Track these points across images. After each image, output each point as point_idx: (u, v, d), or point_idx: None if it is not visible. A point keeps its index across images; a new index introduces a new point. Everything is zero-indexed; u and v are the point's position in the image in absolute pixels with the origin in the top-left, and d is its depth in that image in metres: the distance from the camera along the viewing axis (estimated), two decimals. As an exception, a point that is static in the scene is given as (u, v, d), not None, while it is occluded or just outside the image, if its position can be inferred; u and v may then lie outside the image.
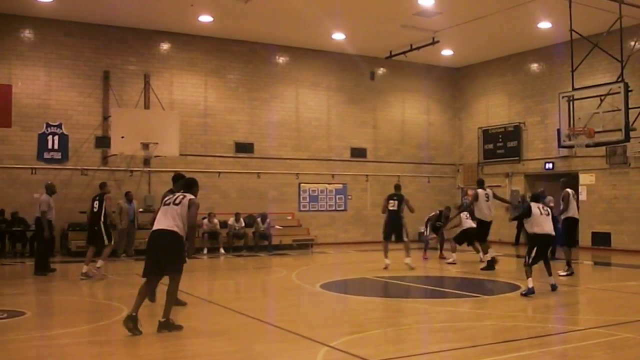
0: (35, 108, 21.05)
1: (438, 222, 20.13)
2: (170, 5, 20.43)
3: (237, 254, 21.42)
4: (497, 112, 27.19)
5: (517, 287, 13.50)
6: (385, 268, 16.57)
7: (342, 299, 13.02)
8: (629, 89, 16.47)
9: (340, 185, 25.72)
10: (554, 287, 12.82)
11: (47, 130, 21.11)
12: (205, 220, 21.51)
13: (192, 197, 9.31)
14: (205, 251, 21.30)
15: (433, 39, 22.96)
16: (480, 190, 16.94)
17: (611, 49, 17.54)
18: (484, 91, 27.79)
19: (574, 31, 17.00)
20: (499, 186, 26.42)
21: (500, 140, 26.75)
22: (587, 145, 17.28)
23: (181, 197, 9.29)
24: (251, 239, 22.50)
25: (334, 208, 25.70)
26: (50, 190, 16.01)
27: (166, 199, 9.46)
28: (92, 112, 21.89)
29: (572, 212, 15.46)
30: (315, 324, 9.77)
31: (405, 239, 17.09)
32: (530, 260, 12.58)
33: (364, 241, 25.20)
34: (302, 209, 25.24)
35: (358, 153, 26.55)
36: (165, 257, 9.10)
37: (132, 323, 8.76)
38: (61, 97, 21.47)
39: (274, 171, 24.60)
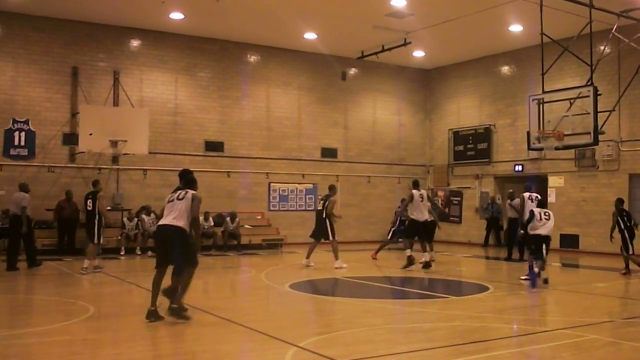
0: (1, 104, 20.73)
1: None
2: (141, 2, 20.23)
3: (205, 253, 21.24)
4: (467, 113, 27.32)
5: (485, 288, 13.56)
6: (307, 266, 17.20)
7: (311, 299, 12.99)
8: (598, 92, 16.59)
9: (311, 185, 25.68)
10: (545, 281, 13.92)
11: (14, 127, 20.78)
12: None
13: (194, 192, 9.87)
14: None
15: (405, 40, 23.00)
16: (415, 191, 17.14)
17: (581, 53, 17.68)
18: (455, 93, 27.91)
19: (545, 35, 17.11)
20: (469, 187, 26.59)
21: (471, 142, 26.88)
22: (557, 148, 17.39)
23: (184, 192, 9.84)
24: (220, 239, 22.36)
25: (304, 208, 25.62)
26: (26, 189, 16.68)
27: (170, 196, 9.99)
28: (60, 108, 21.59)
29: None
30: (284, 324, 9.72)
31: (330, 238, 17.36)
32: (531, 254, 14.28)
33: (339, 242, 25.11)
34: (271, 208, 25.16)
35: (329, 153, 26.53)
36: (173, 250, 9.61)
37: (153, 317, 9.42)
38: (29, 93, 21.16)
39: (244, 170, 24.49)
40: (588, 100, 16.57)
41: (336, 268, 16.81)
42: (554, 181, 23.66)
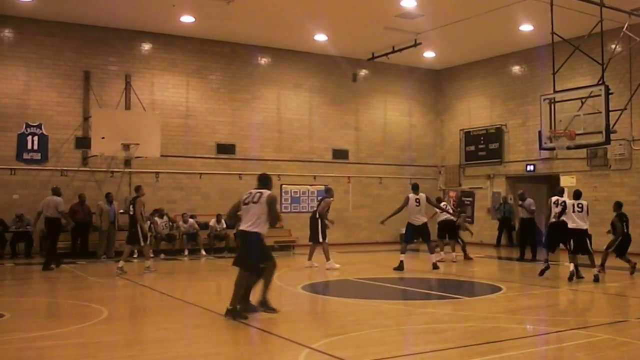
0: (14, 108, 20.85)
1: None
2: (151, 6, 20.31)
3: (218, 256, 21.32)
4: (478, 114, 27.27)
5: (498, 289, 13.53)
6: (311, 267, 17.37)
7: (324, 300, 13.00)
8: (610, 91, 16.52)
9: (322, 186, 25.65)
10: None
11: (27, 131, 20.91)
12: (181, 223, 21.37)
13: (270, 192, 10.04)
14: (186, 252, 21.18)
15: (415, 41, 23.00)
16: (410, 195, 17.19)
17: (592, 52, 17.63)
18: (466, 93, 27.87)
19: (556, 34, 17.06)
20: (481, 188, 26.53)
21: (482, 142, 26.83)
22: (568, 148, 17.32)
23: (258, 194, 10.02)
24: (232, 241, 22.37)
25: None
26: (59, 192, 17.55)
27: (245, 197, 10.14)
28: (73, 112, 21.71)
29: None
30: (297, 325, 9.73)
31: (320, 240, 17.43)
32: (570, 250, 14.83)
33: (346, 243, 25.14)
34: (283, 210, 25.14)
35: (340, 155, 26.54)
36: (250, 255, 10.01)
37: (230, 316, 9.75)
38: (41, 97, 21.27)
39: (256, 172, 24.39)
40: (599, 99, 16.52)
41: (327, 269, 16.92)
42: (565, 181, 23.54)
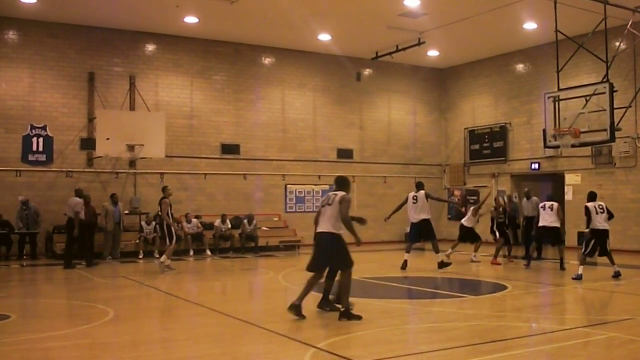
0: (19, 110, 20.90)
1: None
2: (155, 7, 20.33)
3: (223, 256, 21.35)
4: (483, 112, 27.25)
5: (504, 287, 13.53)
6: None
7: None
8: (614, 89, 16.50)
9: (327, 186, 25.63)
10: (617, 274, 14.82)
11: (32, 132, 20.96)
12: (185, 223, 21.39)
13: (344, 194, 10.12)
14: (191, 253, 21.21)
15: (419, 39, 22.98)
16: (410, 193, 17.41)
17: (596, 50, 17.60)
18: (470, 92, 27.85)
19: (559, 32, 17.04)
20: (485, 186, 26.48)
21: (487, 140, 26.80)
22: (573, 146, 17.31)
23: (333, 196, 10.18)
24: (237, 241, 22.44)
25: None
26: (80, 194, 18.49)
27: (323, 200, 10.43)
28: (77, 113, 21.75)
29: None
30: (302, 325, 9.74)
31: None
32: (587, 251, 14.84)
33: (351, 242, 25.05)
34: (288, 210, 25.20)
35: (344, 154, 26.54)
36: (327, 256, 10.08)
37: (295, 311, 9.82)
38: (46, 99, 21.32)
39: (260, 172, 24.54)
40: (604, 97, 16.50)
41: None
42: (570, 179, 23.54)
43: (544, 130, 17.44)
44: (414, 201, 17.10)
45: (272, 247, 22.99)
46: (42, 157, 21.04)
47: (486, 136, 26.84)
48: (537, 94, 23.83)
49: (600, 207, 15.06)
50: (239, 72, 24.50)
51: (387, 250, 19.87)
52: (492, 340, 8.56)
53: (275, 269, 17.49)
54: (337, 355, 7.68)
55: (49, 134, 21.17)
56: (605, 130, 16.33)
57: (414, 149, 28.23)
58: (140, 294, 13.72)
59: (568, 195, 23.29)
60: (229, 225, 22.45)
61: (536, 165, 24.77)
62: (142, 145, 20.06)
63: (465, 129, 27.81)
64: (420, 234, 17.23)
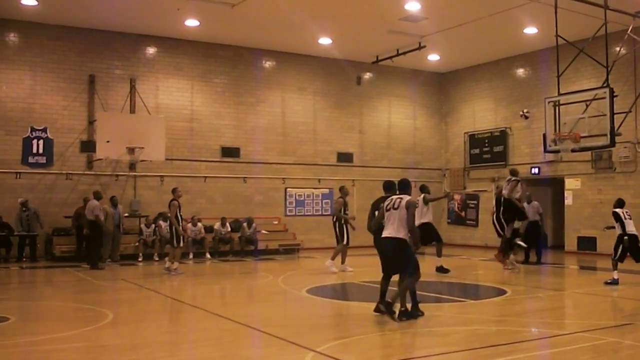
0: (19, 112, 20.90)
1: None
2: (156, 10, 20.34)
3: (223, 259, 21.34)
4: (483, 116, 27.26)
5: (503, 292, 13.52)
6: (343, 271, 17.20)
7: (329, 304, 13.00)
8: (614, 94, 16.49)
9: (327, 190, 25.68)
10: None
11: (32, 135, 20.95)
12: (189, 225, 21.37)
13: (409, 197, 10.00)
14: (191, 256, 21.19)
15: (419, 44, 23.01)
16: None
17: (596, 55, 17.60)
18: (471, 96, 27.86)
19: (560, 37, 17.05)
20: (485, 191, 26.48)
21: (487, 145, 26.81)
22: (573, 150, 17.29)
23: (398, 200, 10.02)
24: (237, 244, 22.42)
25: (320, 213, 25.65)
26: (98, 196, 18.97)
27: (387, 204, 10.15)
28: (78, 116, 21.75)
29: None
30: (302, 329, 9.73)
31: (340, 242, 17.39)
32: (617, 256, 14.71)
33: (351, 246, 25.06)
34: (288, 213, 25.19)
35: (344, 158, 26.54)
36: (393, 262, 10.05)
37: (383, 307, 9.86)
38: (46, 101, 21.32)
39: (260, 176, 24.53)
40: (604, 102, 16.48)
41: (326, 265, 17.08)
42: (570, 183, 23.54)
43: (544, 135, 17.44)
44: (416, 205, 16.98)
45: (272, 250, 22.97)
46: (42, 160, 21.03)
47: (486, 140, 26.84)
48: (537, 98, 23.80)
49: (628, 213, 15.09)
50: (239, 76, 24.51)
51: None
52: (492, 344, 8.55)
53: (274, 273, 17.48)
54: (337, 359, 7.68)
55: (49, 136, 21.18)
56: (605, 135, 16.32)
57: (414, 153, 28.22)
58: (140, 296, 13.70)
59: (568, 200, 23.29)
60: (229, 229, 22.44)
61: (536, 170, 24.77)
62: (142, 148, 20.06)
63: (465, 133, 27.82)
64: (425, 237, 17.12)
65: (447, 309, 11.85)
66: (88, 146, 21.54)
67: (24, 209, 19.79)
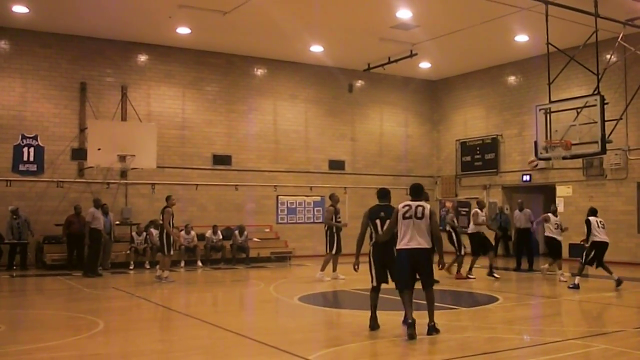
0: (10, 119, 20.84)
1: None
2: (147, 17, 20.33)
3: (214, 267, 21.29)
4: (474, 124, 27.32)
5: (495, 299, 13.52)
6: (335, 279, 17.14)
7: (321, 311, 12.98)
8: (605, 101, 16.53)
9: (319, 197, 25.65)
10: (619, 282, 15.08)
11: (23, 142, 20.88)
12: (182, 233, 21.32)
13: (430, 206, 9.70)
14: (182, 264, 21.12)
15: (411, 51, 23.06)
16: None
17: (587, 62, 17.67)
18: (462, 103, 27.93)
19: (551, 44, 17.10)
20: (477, 198, 26.46)
21: (478, 152, 26.87)
22: (564, 158, 17.33)
23: (421, 208, 9.60)
24: (229, 252, 22.38)
25: (312, 220, 25.62)
26: (97, 204, 19.04)
27: (404, 211, 9.65)
28: (69, 123, 21.69)
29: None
30: (294, 337, 9.71)
31: (327, 251, 17.35)
32: (585, 261, 15.27)
33: (343, 253, 25.04)
34: (280, 221, 25.15)
35: (336, 165, 26.54)
36: (425, 272, 9.68)
37: (433, 331, 9.56)
38: (37, 109, 21.26)
39: (252, 183, 24.50)
40: (595, 109, 16.52)
41: (317, 277, 17.01)
42: (562, 191, 23.61)
43: (536, 142, 17.47)
44: None
45: (264, 258, 22.93)
46: (33, 167, 20.96)
47: (478, 148, 26.90)
48: (528, 106, 23.84)
49: (602, 222, 15.55)
50: (231, 83, 24.51)
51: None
52: (484, 352, 8.54)
53: (266, 281, 17.45)
54: (329, 367, 7.66)
55: (40, 144, 21.11)
56: (596, 142, 16.36)
57: (406, 160, 28.25)
58: (131, 305, 13.65)
59: (559, 207, 23.30)
60: (220, 236, 22.40)
61: (527, 177, 24.84)
62: (134, 155, 20.02)
63: (457, 140, 27.87)
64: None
65: (438, 316, 11.79)
66: (79, 154, 21.48)
67: (14, 216, 19.70)
